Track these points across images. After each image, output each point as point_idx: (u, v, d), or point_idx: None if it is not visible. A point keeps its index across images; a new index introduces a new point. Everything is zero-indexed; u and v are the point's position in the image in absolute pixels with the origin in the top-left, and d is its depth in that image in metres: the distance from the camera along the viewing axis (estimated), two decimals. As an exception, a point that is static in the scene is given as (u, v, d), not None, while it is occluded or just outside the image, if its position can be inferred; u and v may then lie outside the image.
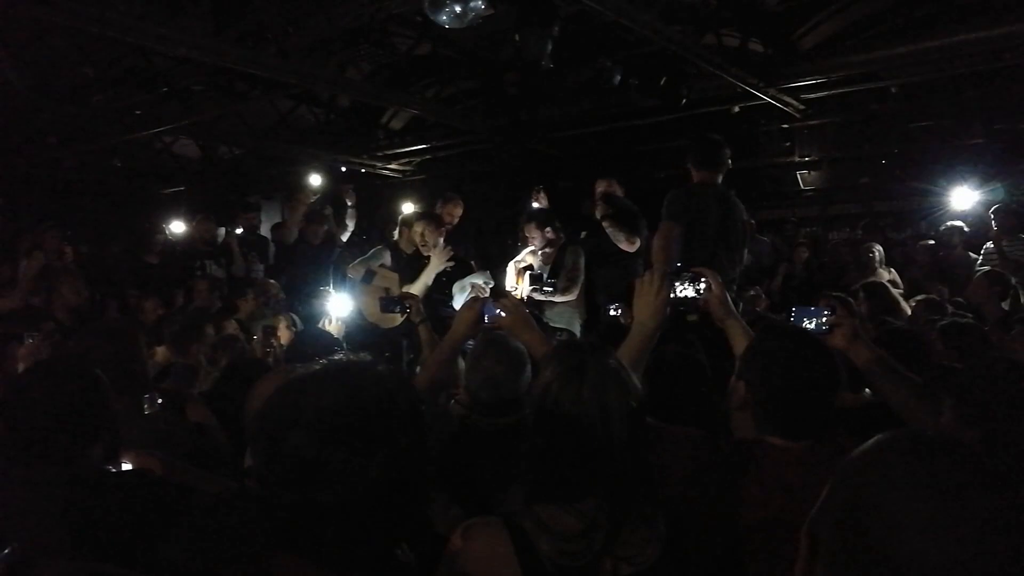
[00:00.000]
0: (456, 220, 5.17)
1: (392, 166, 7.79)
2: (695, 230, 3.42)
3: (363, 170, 7.78)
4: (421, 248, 4.39)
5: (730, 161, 3.53)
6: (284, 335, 4.08)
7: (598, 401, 1.29)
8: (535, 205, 5.31)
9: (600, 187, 4.95)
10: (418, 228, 4.38)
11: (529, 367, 1.94)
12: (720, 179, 3.51)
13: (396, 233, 5.00)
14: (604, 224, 4.48)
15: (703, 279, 1.77)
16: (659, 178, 6.47)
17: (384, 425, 0.94)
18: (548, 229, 4.64)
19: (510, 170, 6.96)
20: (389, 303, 3.05)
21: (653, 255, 3.44)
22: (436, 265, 4.33)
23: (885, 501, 0.65)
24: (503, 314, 1.85)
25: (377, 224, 8.03)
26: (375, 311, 4.43)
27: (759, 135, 6.84)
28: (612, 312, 3.61)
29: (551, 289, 4.38)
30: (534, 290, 4.42)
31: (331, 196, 6.49)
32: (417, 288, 4.16)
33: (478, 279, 4.50)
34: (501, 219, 6.93)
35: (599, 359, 1.35)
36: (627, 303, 3.27)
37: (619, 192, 4.79)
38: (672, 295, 1.76)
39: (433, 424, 1.55)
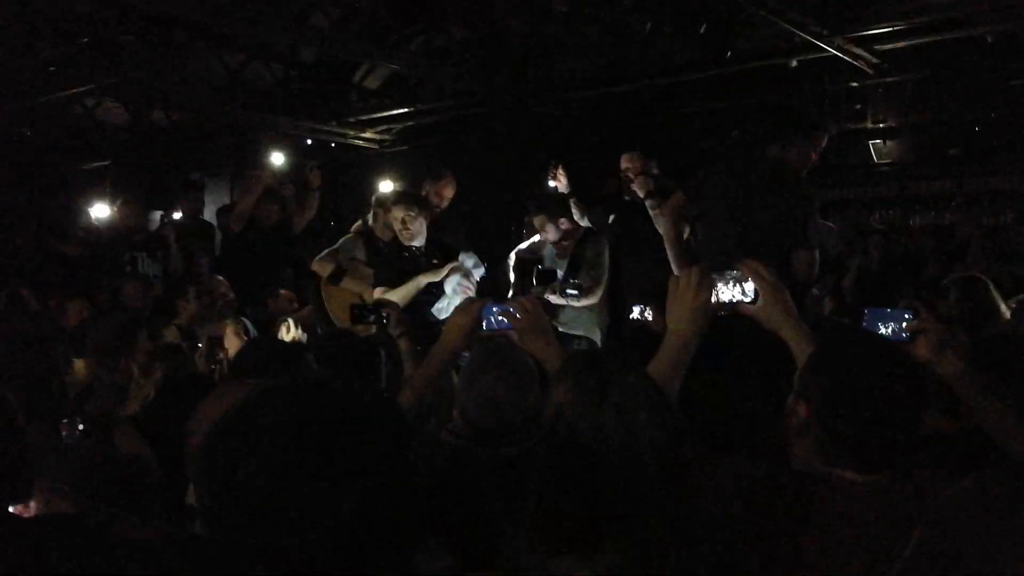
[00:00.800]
0: (446, 203, 5.19)
1: (367, 135, 7.81)
2: (724, 215, 3.48)
3: (331, 141, 7.81)
4: (402, 237, 4.38)
5: (824, 135, 3.53)
6: (233, 344, 4.09)
7: (623, 428, 1.30)
8: (553, 186, 5.30)
9: (627, 163, 4.96)
10: (398, 213, 4.36)
11: (538, 385, 1.94)
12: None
13: (371, 217, 5.01)
14: (649, 205, 4.45)
15: (751, 271, 1.77)
16: (702, 150, 6.47)
17: (359, 454, 0.94)
18: (563, 221, 4.65)
19: (515, 141, 6.97)
20: (361, 313, 3.08)
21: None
22: (429, 276, 4.33)
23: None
24: (513, 317, 1.85)
25: (348, 207, 8.07)
26: (346, 317, 4.45)
27: (823, 96, 6.82)
28: (637, 315, 3.63)
29: (575, 292, 4.36)
30: (543, 291, 4.42)
31: (293, 173, 6.52)
32: (398, 296, 4.17)
33: (466, 265, 4.44)
34: (503, 203, 6.95)
35: (624, 375, 1.36)
36: (659, 305, 3.28)
37: (653, 169, 4.78)
38: (714, 298, 1.76)
39: (420, 455, 1.55)
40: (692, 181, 3.67)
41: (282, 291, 5.41)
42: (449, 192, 5.17)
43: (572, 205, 4.91)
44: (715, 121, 6.56)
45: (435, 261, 4.44)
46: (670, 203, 3.98)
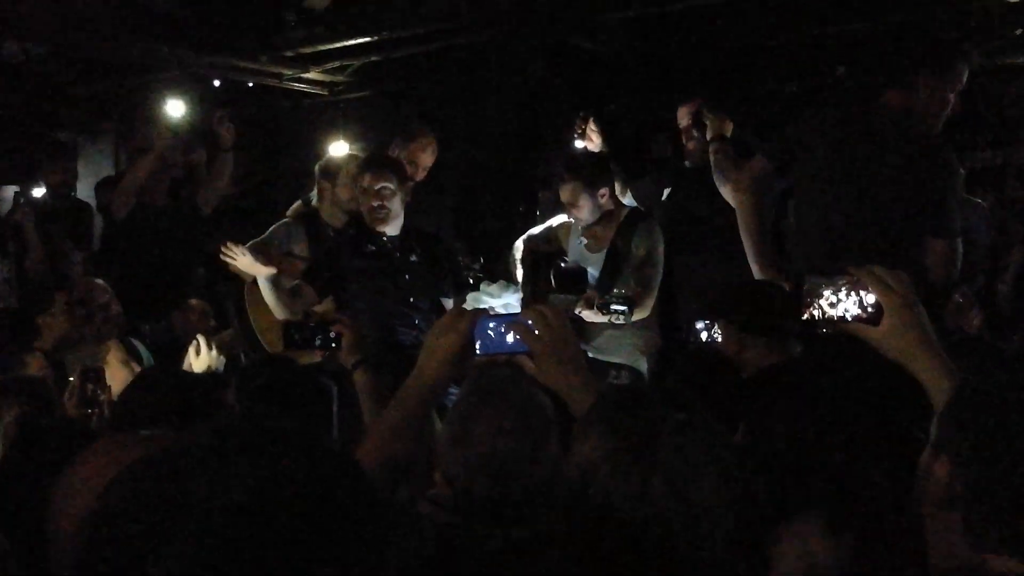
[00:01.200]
0: (423, 172, 5.21)
1: (311, 76, 7.82)
2: (827, 191, 3.53)
3: (257, 83, 7.83)
4: (369, 219, 4.39)
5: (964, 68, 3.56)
6: (119, 376, 4.10)
7: (678, 498, 1.31)
8: (581, 146, 5.31)
9: (686, 116, 4.99)
10: (367, 183, 4.40)
11: (557, 436, 1.95)
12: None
13: (315, 194, 5.05)
14: (718, 176, 4.45)
15: (873, 280, 1.78)
16: (791, 96, 6.47)
17: (309, 540, 0.95)
18: (604, 192, 4.65)
19: (523, 84, 6.99)
20: (301, 333, 3.10)
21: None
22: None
23: None
24: (527, 333, 1.85)
25: (283, 179, 8.09)
26: (276, 335, 4.47)
27: (965, 14, 6.78)
28: (704, 334, 3.64)
29: (624, 308, 4.36)
30: (571, 302, 4.46)
31: (200, 131, 6.55)
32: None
33: (496, 296, 4.49)
34: (506, 171, 6.97)
35: (681, 423, 1.38)
36: (731, 320, 3.30)
37: (725, 124, 4.77)
38: (816, 312, 1.79)
39: (392, 540, 1.55)
40: (778, 142, 3.68)
41: (190, 300, 5.44)
42: (427, 157, 5.21)
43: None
44: (809, 54, 6.55)
45: (413, 259, 4.47)
46: (748, 172, 3.98)
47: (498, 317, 1.92)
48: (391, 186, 4.36)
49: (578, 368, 1.87)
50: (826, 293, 1.80)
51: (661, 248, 4.67)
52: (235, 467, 0.97)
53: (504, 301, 4.76)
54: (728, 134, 4.70)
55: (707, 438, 1.37)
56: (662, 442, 1.36)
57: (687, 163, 5.04)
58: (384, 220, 4.38)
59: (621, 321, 4.41)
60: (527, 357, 1.87)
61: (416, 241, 4.54)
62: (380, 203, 4.35)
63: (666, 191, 5.10)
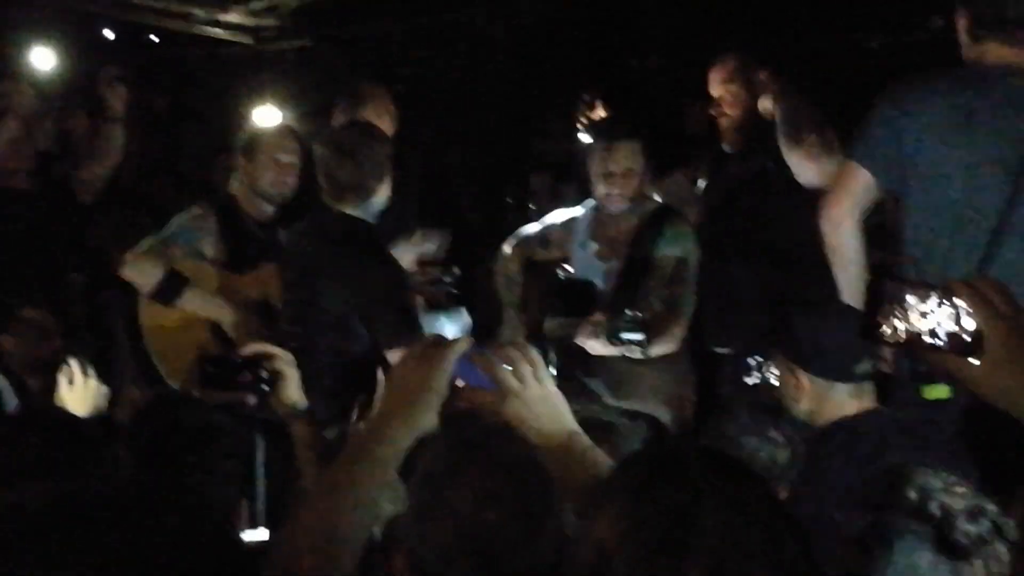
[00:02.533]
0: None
1: (230, 18, 7.83)
2: (930, 185, 3.55)
3: (157, 28, 7.82)
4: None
5: None
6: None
7: None
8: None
9: (723, 82, 5.00)
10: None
11: (559, 506, 1.95)
12: None
13: (234, 179, 5.06)
14: (780, 112, 4.47)
15: (974, 298, 1.79)
16: (868, 50, 6.50)
17: None
18: (645, 163, 4.72)
19: (513, 31, 7.00)
20: (221, 369, 3.10)
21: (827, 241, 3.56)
22: None
23: None
24: (504, 379, 1.88)
25: (191, 155, 8.04)
26: (184, 367, 4.45)
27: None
28: (755, 374, 3.66)
29: (639, 337, 4.38)
30: (564, 327, 4.47)
31: (78, 90, 6.54)
32: None
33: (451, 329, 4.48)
34: (491, 148, 6.94)
35: (729, 499, 1.38)
36: (788, 355, 3.31)
37: (773, 86, 4.81)
38: (898, 324, 1.78)
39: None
40: (871, 119, 3.66)
41: (23, 312, 5.35)
42: (385, 124, 5.22)
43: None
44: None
45: None
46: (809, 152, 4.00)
47: (477, 351, 1.96)
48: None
49: (563, 424, 1.94)
50: (911, 300, 1.78)
51: (695, 259, 4.71)
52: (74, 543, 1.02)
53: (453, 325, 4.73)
54: (779, 94, 4.74)
55: (761, 517, 1.38)
56: (701, 521, 1.36)
57: (725, 147, 5.06)
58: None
59: (636, 355, 4.41)
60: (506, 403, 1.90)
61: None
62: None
63: (699, 183, 5.13)
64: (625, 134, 4.78)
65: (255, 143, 5.05)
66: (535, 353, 1.99)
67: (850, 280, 3.66)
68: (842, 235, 3.65)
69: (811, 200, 4.27)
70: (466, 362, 1.93)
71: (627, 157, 4.72)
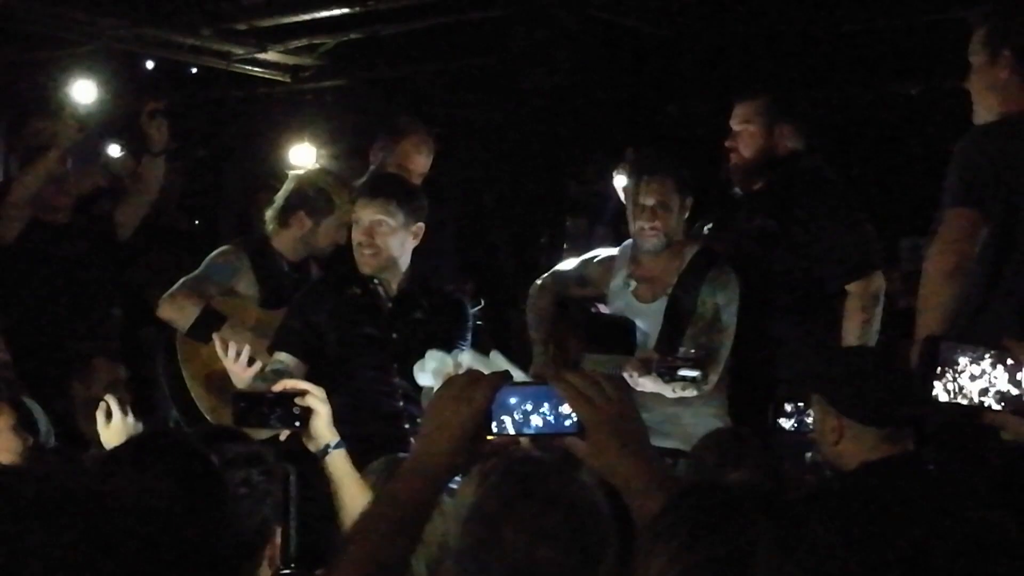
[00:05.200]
0: (418, 178, 5.27)
1: (269, 57, 7.89)
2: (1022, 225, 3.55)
3: (198, 65, 7.86)
4: (360, 257, 4.46)
5: None
6: (6, 446, 4.14)
7: None
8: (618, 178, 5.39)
9: (744, 111, 5.01)
10: (364, 213, 4.48)
11: (615, 547, 1.95)
12: None
13: (272, 215, 5.08)
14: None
15: None
16: (909, 98, 6.48)
17: None
18: (687, 206, 4.72)
19: (548, 75, 7.01)
20: (254, 407, 3.13)
21: (925, 286, 3.50)
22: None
23: None
24: (583, 405, 1.87)
25: (229, 191, 8.07)
26: (220, 404, 4.46)
27: None
28: (790, 418, 3.65)
29: (695, 374, 4.35)
30: (614, 364, 4.43)
31: (120, 127, 6.58)
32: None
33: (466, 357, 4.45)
34: (525, 190, 6.93)
35: (787, 539, 1.38)
36: (835, 397, 3.31)
37: (790, 136, 4.83)
38: (950, 386, 1.78)
39: None
40: (964, 176, 3.68)
41: (92, 360, 5.40)
42: (421, 160, 5.28)
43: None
44: (939, 44, 6.57)
45: (418, 315, 4.50)
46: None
47: (524, 387, 1.94)
48: (393, 223, 4.43)
49: (646, 456, 1.88)
50: (963, 361, 1.79)
51: (735, 307, 4.69)
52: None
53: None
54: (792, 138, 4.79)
55: (819, 560, 1.37)
56: (758, 562, 1.36)
57: (735, 190, 5.08)
58: (374, 263, 4.44)
59: (692, 392, 4.39)
60: (574, 439, 1.89)
61: (423, 296, 4.56)
62: (368, 241, 4.43)
63: (701, 226, 5.14)
64: (659, 168, 4.77)
65: (309, 185, 5.04)
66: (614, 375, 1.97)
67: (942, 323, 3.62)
68: (959, 283, 3.60)
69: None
70: (502, 401, 1.92)
71: (659, 191, 4.70)
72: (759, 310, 4.78)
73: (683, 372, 4.36)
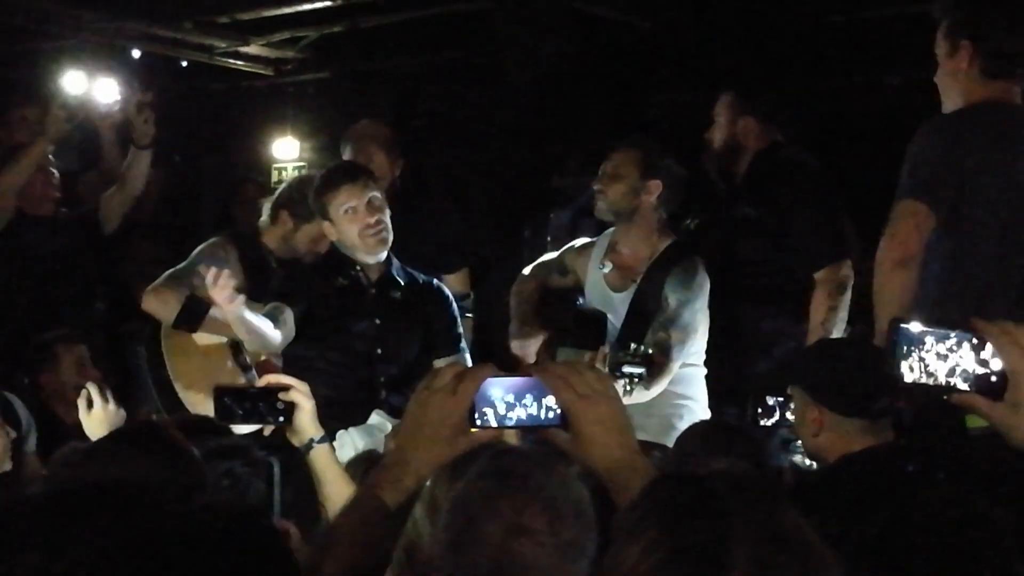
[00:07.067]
0: (393, 176, 5.29)
1: (251, 50, 7.87)
2: (977, 217, 3.59)
3: (182, 58, 7.84)
4: (365, 244, 4.49)
5: None
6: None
7: None
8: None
9: (718, 104, 5.11)
10: (352, 198, 4.49)
11: (595, 538, 1.95)
12: None
13: (265, 209, 5.08)
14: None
15: (1000, 339, 1.80)
16: (889, 87, 6.50)
17: None
18: (655, 187, 4.73)
19: (533, 67, 7.00)
20: (238, 402, 3.14)
21: (877, 277, 3.51)
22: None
23: None
24: (568, 390, 1.89)
25: (210, 184, 8.04)
26: (205, 398, 4.48)
27: None
28: (770, 414, 3.67)
29: (639, 371, 4.29)
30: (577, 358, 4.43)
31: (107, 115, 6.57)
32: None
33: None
34: (508, 183, 6.90)
35: (766, 527, 1.39)
36: (814, 388, 3.32)
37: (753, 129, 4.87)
38: (915, 366, 1.78)
39: None
40: (918, 165, 3.71)
41: (56, 347, 5.37)
42: (381, 160, 5.26)
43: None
44: (919, 34, 6.59)
45: (396, 295, 4.53)
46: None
47: (506, 379, 1.95)
48: (380, 195, 4.50)
49: (630, 448, 1.91)
50: (930, 341, 1.79)
51: (700, 304, 4.67)
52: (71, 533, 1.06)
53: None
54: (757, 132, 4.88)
55: (800, 548, 1.36)
56: (736, 550, 1.36)
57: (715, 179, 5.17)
58: (387, 240, 4.51)
59: (632, 389, 4.28)
60: (557, 431, 1.90)
61: (403, 277, 4.60)
62: (379, 217, 4.46)
63: (690, 222, 5.18)
64: (627, 142, 4.88)
65: (307, 211, 4.98)
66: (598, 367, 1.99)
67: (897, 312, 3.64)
68: (908, 274, 3.64)
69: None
70: (484, 394, 1.93)
71: (618, 160, 4.78)
72: (736, 299, 4.83)
73: (627, 369, 4.25)
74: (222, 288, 4.23)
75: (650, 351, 4.38)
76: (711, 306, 4.74)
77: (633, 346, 4.38)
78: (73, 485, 1.23)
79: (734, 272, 4.88)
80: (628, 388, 4.27)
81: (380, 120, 5.59)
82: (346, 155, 5.33)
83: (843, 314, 4.56)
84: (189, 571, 1.17)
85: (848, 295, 4.56)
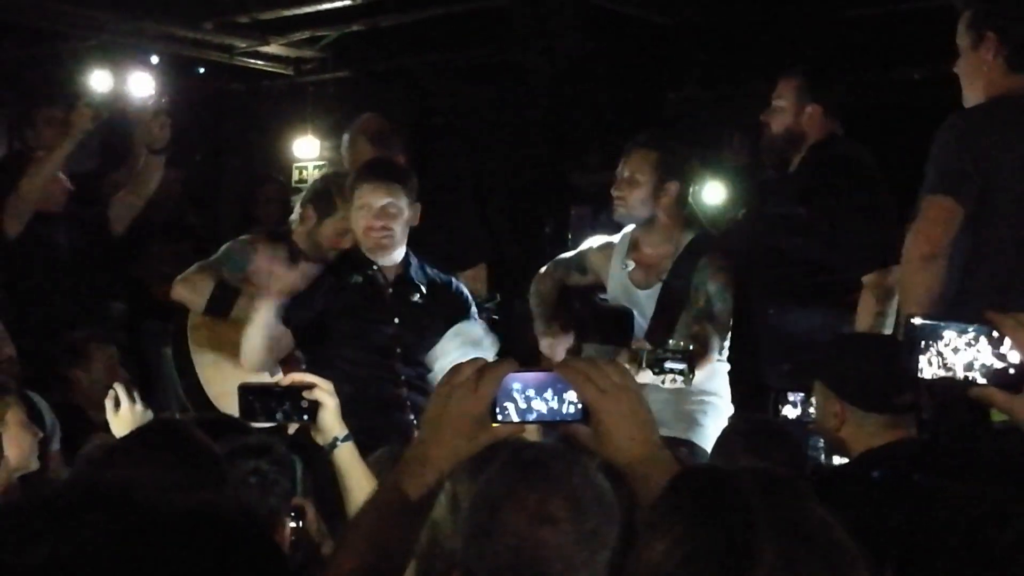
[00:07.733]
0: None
1: (271, 50, 7.89)
2: (1001, 211, 3.57)
3: (200, 58, 7.86)
4: (366, 243, 4.49)
5: None
6: (19, 443, 4.14)
7: None
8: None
9: (780, 87, 4.98)
10: (368, 198, 4.49)
11: (616, 531, 1.95)
12: None
13: (297, 212, 5.10)
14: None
15: (1017, 332, 1.79)
16: (913, 83, 6.47)
17: None
18: (673, 187, 4.70)
19: (553, 65, 7.00)
20: (262, 399, 3.16)
21: (903, 272, 3.51)
22: None
23: None
24: (592, 389, 1.89)
25: (233, 186, 8.07)
26: (230, 396, 4.49)
27: None
28: (795, 410, 3.66)
29: (681, 367, 4.25)
30: (601, 354, 4.46)
31: (124, 117, 6.58)
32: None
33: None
34: (530, 180, 6.91)
35: (791, 523, 1.39)
36: (836, 383, 3.31)
37: (819, 118, 4.82)
38: (933, 360, 1.78)
39: None
40: (944, 163, 3.70)
41: (88, 347, 5.40)
42: (367, 152, 5.27)
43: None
44: (944, 29, 6.58)
45: (416, 299, 4.52)
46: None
47: (527, 374, 1.95)
48: (399, 203, 4.45)
49: (652, 443, 1.89)
50: (948, 335, 1.79)
51: (730, 295, 4.66)
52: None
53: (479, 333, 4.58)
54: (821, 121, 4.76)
55: (826, 544, 1.37)
56: (762, 546, 1.37)
57: (768, 167, 5.06)
58: (387, 247, 4.46)
59: (679, 385, 4.34)
60: (578, 426, 1.90)
61: (421, 279, 4.59)
62: (385, 223, 4.43)
63: (739, 211, 5.14)
64: (647, 143, 4.80)
65: (329, 206, 4.97)
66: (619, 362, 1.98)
67: (921, 307, 3.61)
68: (935, 269, 3.63)
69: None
70: (505, 390, 1.93)
71: (635, 163, 4.72)
72: (770, 298, 4.77)
73: (669, 365, 4.23)
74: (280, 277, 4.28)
75: (690, 346, 4.37)
76: (747, 301, 4.73)
77: (672, 342, 4.38)
78: (64, 485, 1.23)
79: (777, 269, 4.80)
80: (670, 381, 4.26)
81: (381, 115, 5.59)
82: (343, 147, 5.32)
83: (891, 320, 4.48)
84: (159, 570, 1.18)
85: (896, 301, 4.48)
